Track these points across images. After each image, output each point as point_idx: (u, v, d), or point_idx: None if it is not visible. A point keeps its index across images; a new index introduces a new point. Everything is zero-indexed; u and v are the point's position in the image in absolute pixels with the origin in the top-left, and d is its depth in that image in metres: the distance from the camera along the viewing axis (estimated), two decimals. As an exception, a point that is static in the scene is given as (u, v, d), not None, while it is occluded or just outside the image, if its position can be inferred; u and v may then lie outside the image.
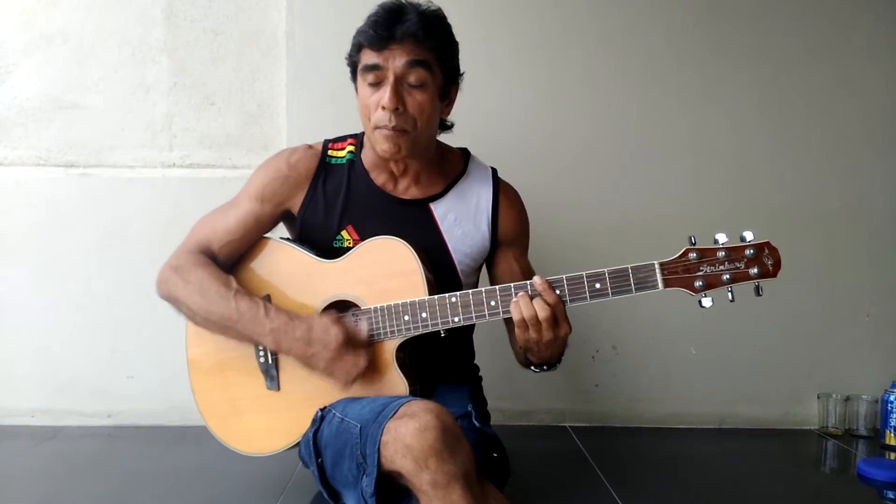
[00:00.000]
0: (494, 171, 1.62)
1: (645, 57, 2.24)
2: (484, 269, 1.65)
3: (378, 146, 1.44)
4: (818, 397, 2.26)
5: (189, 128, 2.24)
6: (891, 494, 1.75)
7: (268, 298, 1.48)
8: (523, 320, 1.32)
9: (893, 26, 2.26)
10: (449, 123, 1.57)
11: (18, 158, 2.22)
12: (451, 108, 1.54)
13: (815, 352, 2.29)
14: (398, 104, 1.39)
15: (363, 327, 1.42)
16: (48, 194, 2.20)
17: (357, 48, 1.44)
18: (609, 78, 2.24)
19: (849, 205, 2.27)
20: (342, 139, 1.60)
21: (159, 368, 2.14)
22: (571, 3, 2.22)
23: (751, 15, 2.24)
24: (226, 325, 1.43)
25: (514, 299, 1.34)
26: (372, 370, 1.42)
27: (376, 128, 1.42)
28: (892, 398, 2.09)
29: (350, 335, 1.38)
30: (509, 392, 2.17)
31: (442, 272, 1.49)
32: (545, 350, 1.37)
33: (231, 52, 2.23)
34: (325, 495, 1.37)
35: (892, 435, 2.09)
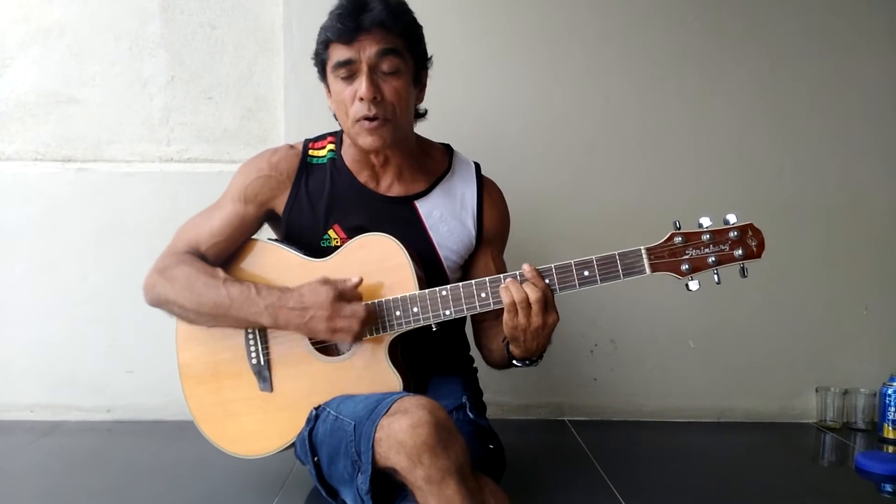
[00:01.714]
0: (478, 166, 1.61)
1: (644, 50, 2.23)
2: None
3: (360, 140, 1.44)
4: (816, 391, 2.27)
5: (186, 122, 2.23)
6: (889, 487, 1.75)
7: None
8: (513, 303, 1.31)
9: (894, 19, 2.25)
10: (422, 111, 1.56)
11: (16, 153, 2.22)
12: (424, 94, 1.53)
13: (814, 345, 2.29)
14: (375, 93, 1.38)
15: (354, 282, 1.39)
16: (46, 189, 2.19)
17: (325, 45, 1.43)
18: (608, 71, 2.23)
19: (848, 199, 2.27)
20: (322, 138, 1.59)
21: (158, 363, 2.13)
22: (570, -4, 2.22)
23: (750, 8, 2.23)
24: (219, 314, 1.42)
25: (504, 284, 1.33)
26: (365, 366, 1.42)
27: (356, 121, 1.41)
28: (890, 392, 2.09)
29: (341, 290, 1.37)
30: (507, 386, 2.18)
31: (429, 269, 1.49)
32: (531, 340, 1.34)
33: (228, 46, 2.22)
34: (323, 493, 1.37)
35: (890, 428, 2.09)
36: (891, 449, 2.06)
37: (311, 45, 2.14)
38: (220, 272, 1.44)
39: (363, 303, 1.38)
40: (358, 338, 1.38)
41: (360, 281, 1.39)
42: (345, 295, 1.37)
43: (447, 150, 1.62)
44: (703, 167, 2.26)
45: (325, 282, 1.37)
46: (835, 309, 2.29)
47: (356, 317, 1.35)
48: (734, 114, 2.25)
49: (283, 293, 1.39)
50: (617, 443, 2.07)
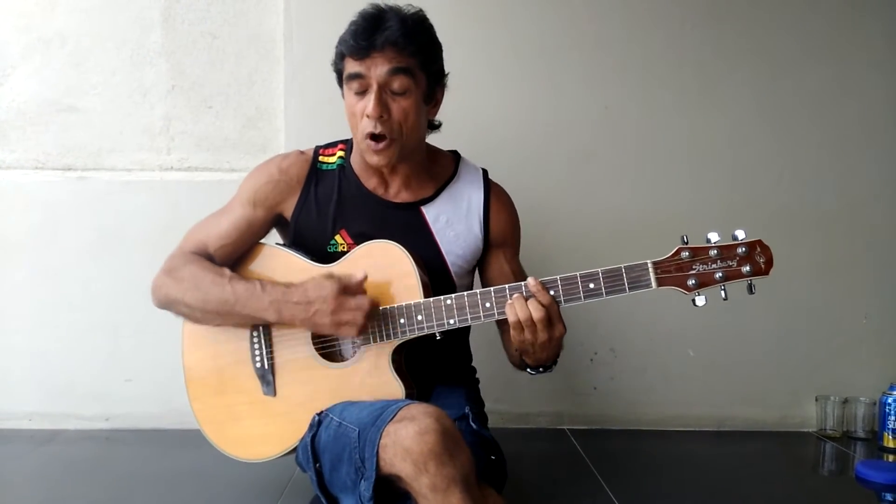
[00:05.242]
0: (485, 172, 1.62)
1: (643, 59, 2.24)
2: (476, 272, 1.64)
3: (367, 157, 1.46)
4: (816, 399, 2.26)
5: (187, 131, 2.24)
6: (889, 496, 1.75)
7: None
8: (518, 322, 1.33)
9: (892, 28, 2.26)
10: (437, 123, 1.58)
11: (16, 162, 2.22)
12: (438, 108, 1.54)
13: (814, 354, 2.29)
14: (382, 112, 1.40)
15: (358, 277, 1.39)
16: (46, 197, 2.19)
17: (340, 56, 1.45)
18: (607, 80, 2.24)
19: (847, 206, 2.28)
20: (332, 145, 1.60)
21: (157, 371, 2.13)
22: (569, 6, 2.22)
23: (749, 17, 2.25)
24: (225, 311, 1.43)
25: (509, 301, 1.34)
26: (368, 374, 1.42)
27: (364, 137, 1.43)
28: (890, 400, 2.09)
29: (345, 283, 1.37)
30: (507, 395, 2.17)
31: (435, 275, 1.49)
32: (541, 351, 1.37)
33: (229, 56, 2.23)
34: (324, 501, 1.36)
35: (890, 437, 2.09)
36: (891, 458, 2.06)
37: (312, 55, 2.18)
38: (227, 271, 1.45)
39: (365, 295, 1.38)
40: (363, 331, 1.38)
41: (365, 277, 1.39)
42: (349, 289, 1.37)
43: (454, 157, 1.63)
44: (702, 174, 2.26)
45: (329, 276, 1.38)
46: (834, 317, 2.29)
47: (361, 310, 1.36)
48: (733, 121, 2.26)
49: (288, 288, 1.40)
50: (617, 452, 2.06)
